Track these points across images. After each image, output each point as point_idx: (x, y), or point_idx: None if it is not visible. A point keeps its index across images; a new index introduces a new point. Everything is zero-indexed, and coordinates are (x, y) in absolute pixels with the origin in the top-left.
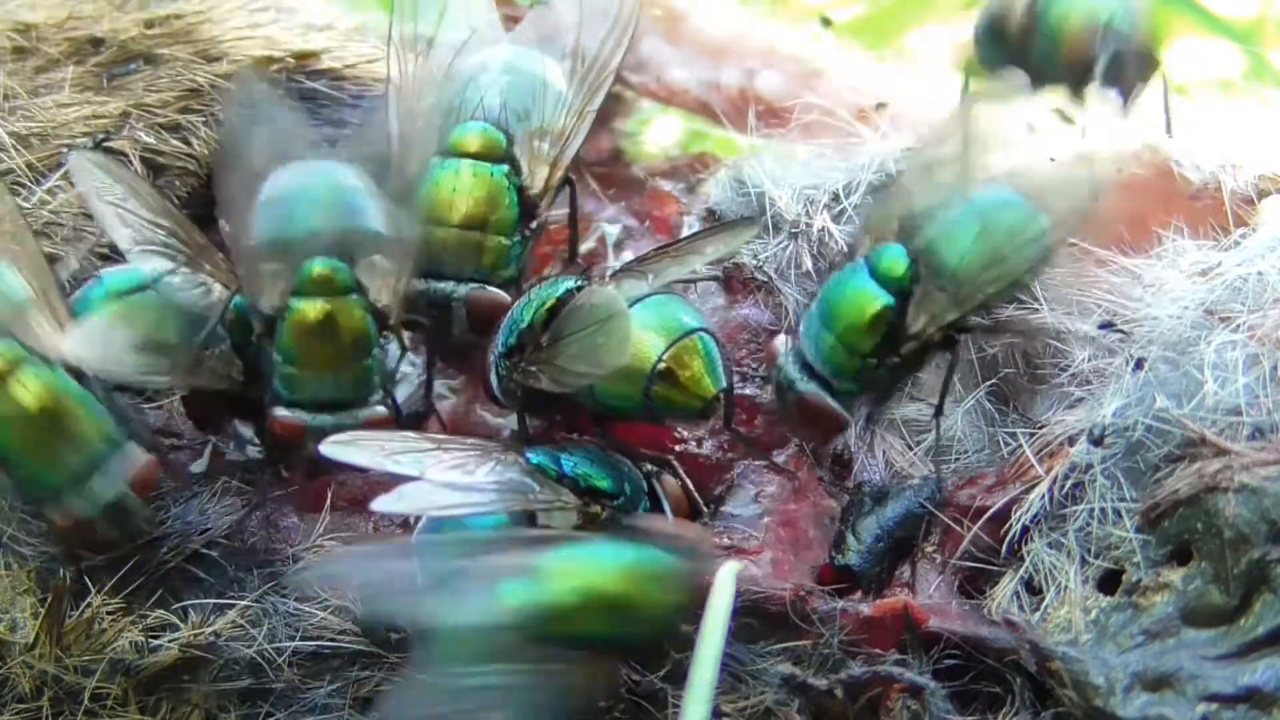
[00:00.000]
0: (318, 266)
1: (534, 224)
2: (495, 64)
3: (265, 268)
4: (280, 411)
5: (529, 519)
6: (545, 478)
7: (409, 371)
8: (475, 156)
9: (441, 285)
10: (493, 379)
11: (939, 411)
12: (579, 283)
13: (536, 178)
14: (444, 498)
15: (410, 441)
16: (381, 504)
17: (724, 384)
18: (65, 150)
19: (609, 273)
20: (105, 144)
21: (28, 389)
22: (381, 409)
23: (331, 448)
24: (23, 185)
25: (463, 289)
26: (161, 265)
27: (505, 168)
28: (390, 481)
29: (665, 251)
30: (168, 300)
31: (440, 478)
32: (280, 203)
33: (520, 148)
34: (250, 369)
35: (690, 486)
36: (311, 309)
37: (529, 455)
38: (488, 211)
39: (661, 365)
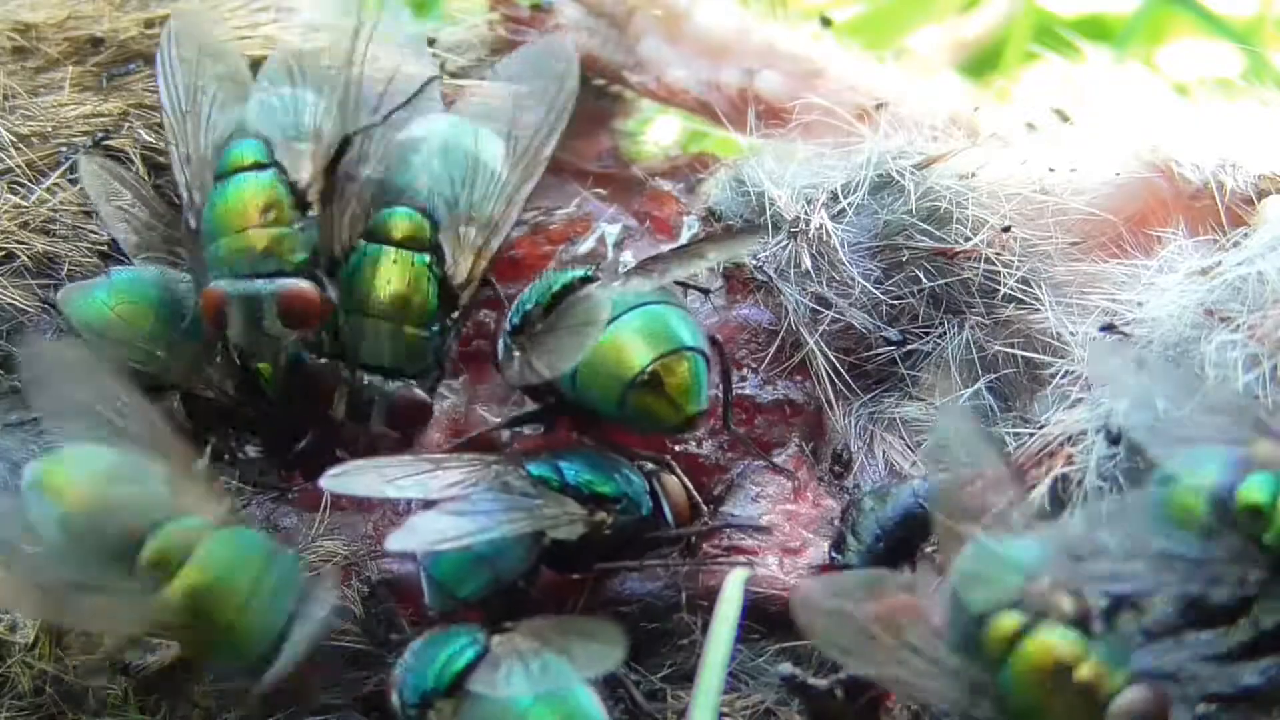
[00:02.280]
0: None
1: (454, 315)
2: (429, 140)
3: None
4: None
5: (535, 536)
6: (548, 489)
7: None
8: (400, 244)
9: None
10: (501, 356)
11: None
12: (588, 273)
13: (460, 267)
14: (453, 528)
15: (409, 465)
16: (396, 542)
17: (703, 408)
18: (65, 150)
19: (621, 269)
20: (105, 143)
21: None
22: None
23: (331, 481)
24: (22, 185)
25: (392, 386)
26: (167, 268)
27: (428, 256)
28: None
29: (670, 257)
30: (173, 299)
31: (446, 502)
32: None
33: (446, 234)
34: (246, 387)
35: (690, 486)
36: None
37: (529, 467)
38: (407, 299)
39: (643, 376)
